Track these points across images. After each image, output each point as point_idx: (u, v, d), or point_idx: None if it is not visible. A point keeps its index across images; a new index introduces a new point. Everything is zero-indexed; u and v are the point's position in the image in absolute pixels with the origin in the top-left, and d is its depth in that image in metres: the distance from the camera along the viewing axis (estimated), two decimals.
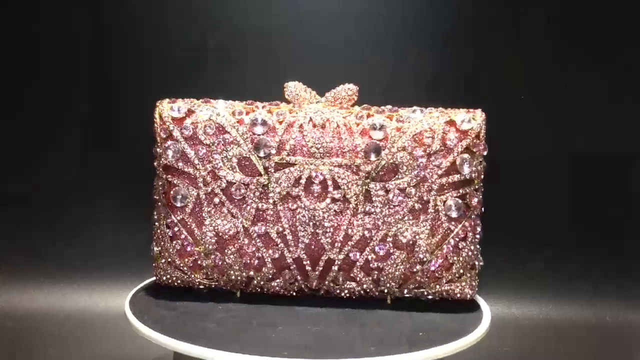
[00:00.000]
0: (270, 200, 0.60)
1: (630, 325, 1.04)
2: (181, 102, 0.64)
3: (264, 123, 0.60)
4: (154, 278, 0.71)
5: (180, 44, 1.08)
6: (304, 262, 0.61)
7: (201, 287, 0.64)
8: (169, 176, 0.63)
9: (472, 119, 0.64)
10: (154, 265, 0.65)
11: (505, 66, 1.09)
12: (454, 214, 0.61)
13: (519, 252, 1.10)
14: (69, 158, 1.09)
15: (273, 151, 0.60)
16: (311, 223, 0.60)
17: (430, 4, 1.08)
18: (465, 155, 0.61)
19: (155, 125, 0.65)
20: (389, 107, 0.65)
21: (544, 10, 1.07)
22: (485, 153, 0.64)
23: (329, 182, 0.59)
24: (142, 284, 0.69)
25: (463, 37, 1.08)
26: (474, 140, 0.63)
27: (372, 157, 0.60)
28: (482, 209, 0.66)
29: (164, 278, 0.64)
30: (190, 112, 0.62)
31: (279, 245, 0.61)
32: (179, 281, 0.64)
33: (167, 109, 0.63)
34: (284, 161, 0.60)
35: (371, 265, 0.61)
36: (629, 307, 1.07)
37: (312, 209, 0.59)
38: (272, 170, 0.60)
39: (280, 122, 0.60)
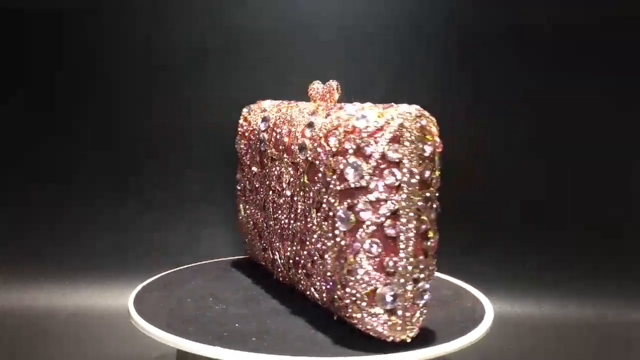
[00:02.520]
0: None
1: (630, 325, 1.04)
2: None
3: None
4: (155, 276, 0.71)
5: (180, 44, 1.08)
6: None
7: None
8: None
9: (366, 116, 0.49)
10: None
11: (507, 67, 1.09)
12: (342, 227, 0.49)
13: (520, 252, 1.10)
14: (69, 158, 1.09)
15: None
16: None
17: (431, 4, 1.08)
18: (352, 159, 0.49)
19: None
20: (354, 104, 0.53)
21: (544, 11, 1.08)
22: (374, 157, 0.48)
23: None
24: (144, 283, 0.69)
25: (464, 37, 1.09)
26: (365, 140, 0.48)
27: (301, 155, 0.56)
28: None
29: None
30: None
31: None
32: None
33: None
34: None
35: (308, 272, 0.57)
36: (629, 306, 1.07)
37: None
38: None
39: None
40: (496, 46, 1.08)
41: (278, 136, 0.62)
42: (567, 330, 1.02)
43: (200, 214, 1.09)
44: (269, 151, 0.64)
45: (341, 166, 0.49)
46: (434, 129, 0.50)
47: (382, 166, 0.48)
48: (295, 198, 0.58)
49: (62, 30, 1.08)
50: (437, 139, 0.51)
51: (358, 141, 0.48)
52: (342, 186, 0.49)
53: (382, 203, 0.48)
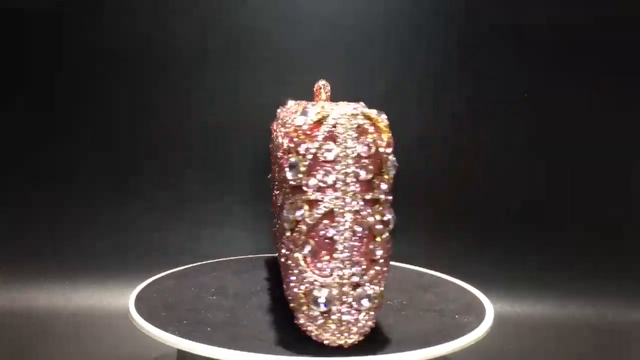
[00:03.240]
0: None
1: (630, 325, 1.04)
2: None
3: None
4: (156, 276, 0.71)
5: (181, 44, 1.08)
6: None
7: None
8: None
9: (307, 113, 0.48)
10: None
11: (507, 67, 1.09)
12: (286, 226, 0.50)
13: (520, 252, 1.10)
14: (69, 158, 1.09)
15: None
16: None
17: (431, 4, 1.08)
18: (292, 158, 0.48)
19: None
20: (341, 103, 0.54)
21: (544, 11, 1.08)
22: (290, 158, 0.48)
23: None
24: (144, 283, 0.69)
25: (464, 37, 1.09)
26: (302, 138, 0.48)
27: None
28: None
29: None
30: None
31: None
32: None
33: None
34: None
35: None
36: (629, 306, 1.07)
37: None
38: None
39: None
40: (496, 46, 1.08)
41: (279, 138, 0.62)
42: (567, 330, 1.02)
43: (200, 214, 1.09)
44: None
45: (285, 164, 0.49)
46: (375, 128, 0.48)
47: (317, 165, 0.47)
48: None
49: (62, 30, 1.08)
50: (384, 139, 0.48)
51: (295, 139, 0.48)
52: (287, 185, 0.49)
53: (319, 203, 0.47)
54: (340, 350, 0.50)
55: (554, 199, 1.10)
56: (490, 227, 1.10)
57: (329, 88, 0.61)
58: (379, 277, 0.49)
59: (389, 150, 0.48)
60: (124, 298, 0.64)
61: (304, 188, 0.47)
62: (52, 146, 1.09)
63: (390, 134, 0.49)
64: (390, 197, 0.49)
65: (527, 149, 1.10)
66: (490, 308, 0.62)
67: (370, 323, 0.49)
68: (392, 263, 0.76)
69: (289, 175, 0.48)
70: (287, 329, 0.54)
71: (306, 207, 0.48)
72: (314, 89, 0.62)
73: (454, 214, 1.11)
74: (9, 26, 1.07)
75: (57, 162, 1.09)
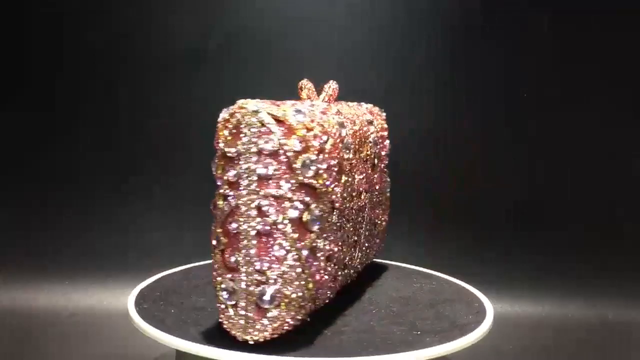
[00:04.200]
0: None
1: (630, 325, 1.04)
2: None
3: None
4: (155, 277, 0.71)
5: (180, 44, 1.08)
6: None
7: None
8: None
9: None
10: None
11: (506, 67, 1.09)
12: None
13: (520, 252, 1.10)
14: (69, 158, 1.09)
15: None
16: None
17: (430, 4, 1.08)
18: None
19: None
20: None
21: (544, 11, 1.08)
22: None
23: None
24: (144, 284, 0.68)
25: (463, 37, 1.09)
26: (216, 135, 0.51)
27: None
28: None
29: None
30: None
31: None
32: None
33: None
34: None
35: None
36: (630, 306, 1.07)
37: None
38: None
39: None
40: (496, 46, 1.08)
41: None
42: (567, 330, 1.02)
43: (200, 214, 1.09)
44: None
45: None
46: (285, 127, 0.47)
47: (223, 162, 0.49)
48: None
49: (62, 30, 1.08)
50: (293, 138, 0.47)
51: (216, 136, 0.50)
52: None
53: (227, 199, 0.49)
54: (340, 350, 0.50)
55: (554, 199, 1.10)
56: (490, 227, 1.11)
57: (311, 86, 0.62)
58: (286, 277, 0.48)
59: (297, 147, 0.47)
60: (124, 298, 0.64)
61: (218, 184, 0.50)
62: (52, 146, 1.09)
63: (305, 133, 0.47)
64: (299, 196, 0.48)
65: (527, 149, 1.10)
66: (490, 308, 0.62)
67: (277, 324, 0.48)
68: (392, 263, 0.77)
69: (212, 169, 0.51)
70: (319, 329, 0.54)
71: (219, 201, 0.50)
72: (336, 90, 0.63)
73: (454, 214, 1.11)
74: (9, 26, 1.07)
75: (57, 162, 1.09)
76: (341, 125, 0.54)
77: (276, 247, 0.47)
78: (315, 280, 0.49)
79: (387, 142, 0.67)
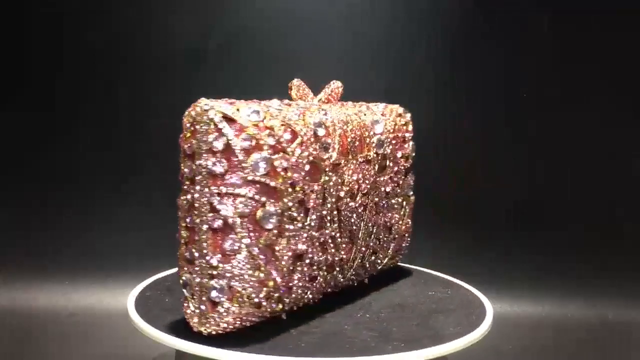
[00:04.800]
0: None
1: (630, 325, 1.04)
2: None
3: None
4: (155, 277, 0.71)
5: (180, 43, 1.08)
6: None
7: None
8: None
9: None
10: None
11: (506, 67, 1.09)
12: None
13: (520, 252, 1.10)
14: (69, 158, 1.09)
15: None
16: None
17: (431, 4, 1.08)
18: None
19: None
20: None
21: (544, 11, 1.08)
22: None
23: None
24: (144, 284, 0.68)
25: (463, 37, 1.09)
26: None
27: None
28: None
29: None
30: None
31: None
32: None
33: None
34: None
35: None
36: (630, 306, 1.07)
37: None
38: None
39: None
40: (496, 46, 1.08)
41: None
42: (567, 330, 1.02)
43: None
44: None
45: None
46: (236, 125, 0.48)
47: (185, 158, 0.52)
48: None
49: (62, 30, 1.08)
50: (244, 138, 0.48)
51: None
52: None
53: (187, 194, 0.52)
54: (340, 350, 0.50)
55: (554, 199, 1.11)
56: (490, 227, 1.11)
57: (301, 85, 0.63)
58: (236, 272, 0.49)
59: (246, 145, 0.48)
60: (124, 298, 0.64)
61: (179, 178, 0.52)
62: (52, 146, 1.09)
63: (255, 131, 0.49)
64: (251, 193, 0.49)
65: (527, 149, 1.10)
66: (489, 308, 0.62)
67: (229, 318, 0.49)
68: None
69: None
70: (286, 329, 0.54)
71: (182, 197, 0.53)
72: (340, 90, 0.64)
73: (454, 214, 1.11)
74: (9, 26, 1.07)
75: (57, 162, 1.09)
76: (318, 125, 0.54)
77: (227, 243, 0.49)
78: (274, 279, 0.50)
79: (410, 143, 0.67)
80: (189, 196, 0.51)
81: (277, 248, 0.50)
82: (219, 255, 0.49)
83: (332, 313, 0.58)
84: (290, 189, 0.51)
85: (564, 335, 1.00)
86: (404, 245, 0.69)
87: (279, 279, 0.51)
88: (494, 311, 0.61)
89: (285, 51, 1.08)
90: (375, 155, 0.61)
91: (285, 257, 0.51)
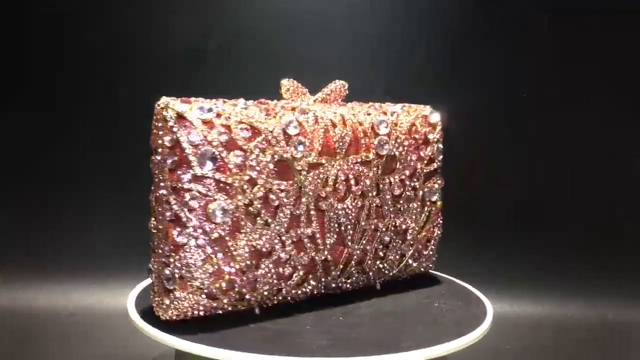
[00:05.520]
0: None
1: (630, 325, 1.04)
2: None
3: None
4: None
5: (180, 43, 1.08)
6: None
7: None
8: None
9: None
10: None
11: (506, 67, 1.09)
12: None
13: (520, 252, 1.10)
14: (69, 158, 1.09)
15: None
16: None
17: (431, 4, 1.08)
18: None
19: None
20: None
21: (544, 11, 1.08)
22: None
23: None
24: (144, 283, 0.68)
25: (463, 36, 1.09)
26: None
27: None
28: None
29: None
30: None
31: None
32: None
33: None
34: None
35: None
36: (630, 306, 1.07)
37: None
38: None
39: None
40: (496, 46, 1.08)
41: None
42: (567, 330, 1.02)
43: None
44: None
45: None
46: (187, 125, 0.51)
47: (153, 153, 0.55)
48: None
49: (62, 30, 1.08)
50: (193, 135, 0.51)
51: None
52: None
53: (154, 186, 0.55)
54: (340, 350, 0.50)
55: (554, 199, 1.10)
56: (490, 227, 1.11)
57: (292, 85, 0.63)
58: (185, 263, 0.52)
59: (195, 139, 0.51)
60: (124, 298, 0.64)
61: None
62: (52, 146, 1.09)
63: (204, 129, 0.51)
64: (200, 188, 0.51)
65: (527, 149, 1.10)
66: (489, 308, 0.62)
67: (183, 306, 0.52)
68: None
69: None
70: (286, 328, 0.54)
71: (152, 189, 0.56)
72: (343, 89, 0.63)
73: (454, 214, 1.10)
74: (9, 26, 1.07)
75: (57, 162, 1.09)
76: (289, 124, 0.54)
77: (177, 235, 0.52)
78: (228, 273, 0.52)
79: (435, 146, 0.65)
80: (154, 189, 0.55)
81: (230, 243, 0.52)
82: (172, 246, 0.52)
83: (309, 313, 0.58)
84: (246, 186, 0.52)
85: (564, 335, 1.00)
86: (426, 252, 0.66)
87: (234, 274, 0.53)
88: (494, 311, 0.61)
89: (285, 51, 1.08)
90: (376, 156, 0.60)
91: (242, 252, 0.53)
